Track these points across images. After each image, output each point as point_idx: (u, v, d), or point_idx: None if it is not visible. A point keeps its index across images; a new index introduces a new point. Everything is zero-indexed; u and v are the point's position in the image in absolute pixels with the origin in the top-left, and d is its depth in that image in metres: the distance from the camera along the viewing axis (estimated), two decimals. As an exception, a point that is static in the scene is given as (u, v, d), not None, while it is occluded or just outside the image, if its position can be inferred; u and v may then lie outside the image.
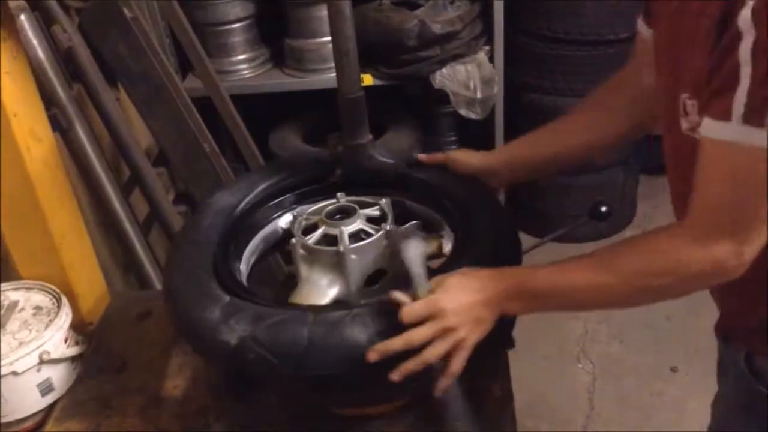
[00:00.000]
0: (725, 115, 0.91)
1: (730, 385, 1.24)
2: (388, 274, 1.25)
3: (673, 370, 2.54)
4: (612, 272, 1.04)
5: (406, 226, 1.18)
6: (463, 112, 2.84)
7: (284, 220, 1.41)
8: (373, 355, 1.03)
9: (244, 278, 1.30)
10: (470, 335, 1.06)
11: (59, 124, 1.83)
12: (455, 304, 1.05)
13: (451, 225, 1.34)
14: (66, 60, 2.00)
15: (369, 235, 1.24)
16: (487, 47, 2.86)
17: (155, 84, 2.12)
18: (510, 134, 2.99)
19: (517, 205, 3.20)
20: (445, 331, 1.04)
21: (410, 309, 1.04)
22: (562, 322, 2.76)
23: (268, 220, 1.41)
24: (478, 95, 2.78)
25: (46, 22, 1.93)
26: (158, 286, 2.08)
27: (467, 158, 1.40)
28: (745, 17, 0.87)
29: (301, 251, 1.24)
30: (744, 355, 1.17)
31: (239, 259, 1.33)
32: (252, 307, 1.10)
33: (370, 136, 1.30)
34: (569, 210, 3.05)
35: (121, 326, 1.57)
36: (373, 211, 1.31)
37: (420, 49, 2.75)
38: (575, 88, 2.83)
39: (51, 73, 1.83)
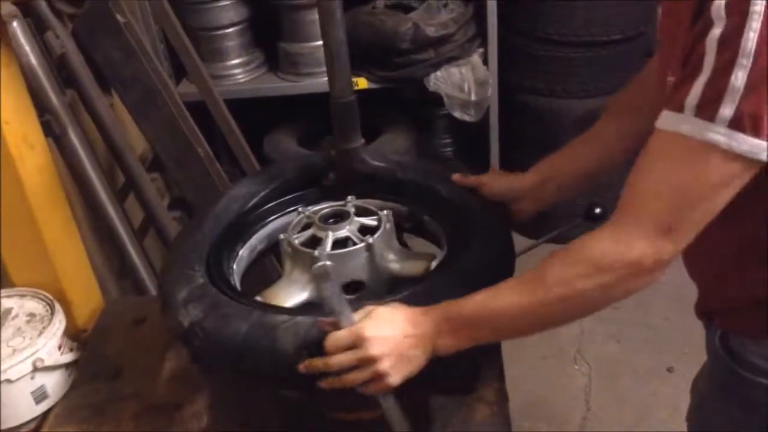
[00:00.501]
0: (679, 106, 0.89)
1: (709, 366, 1.23)
2: (368, 288, 1.26)
3: (670, 370, 2.54)
4: (538, 284, 1.02)
5: (319, 264, 1.14)
6: (457, 114, 2.84)
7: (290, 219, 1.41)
8: (302, 368, 1.05)
9: (240, 268, 1.32)
10: (394, 372, 1.04)
11: (53, 131, 1.83)
12: (379, 334, 1.03)
13: (446, 230, 1.34)
14: (59, 66, 2.00)
15: (354, 243, 1.24)
16: (481, 49, 2.86)
17: (148, 89, 2.12)
18: (505, 136, 2.99)
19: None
20: (365, 361, 1.03)
21: (333, 337, 1.04)
22: (559, 323, 2.76)
23: (275, 217, 1.42)
24: (473, 97, 2.78)
25: (38, 29, 1.93)
26: (153, 291, 2.07)
27: (499, 181, 1.37)
28: (718, 5, 0.86)
29: (287, 248, 1.25)
30: (719, 334, 1.16)
31: (236, 251, 1.35)
32: (215, 295, 1.14)
33: (363, 140, 1.30)
34: (564, 211, 3.04)
35: (116, 332, 1.57)
36: (371, 221, 1.30)
37: (414, 52, 2.75)
38: (569, 90, 2.83)
39: (44, 80, 1.82)
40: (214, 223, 1.34)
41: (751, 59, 0.84)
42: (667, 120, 0.92)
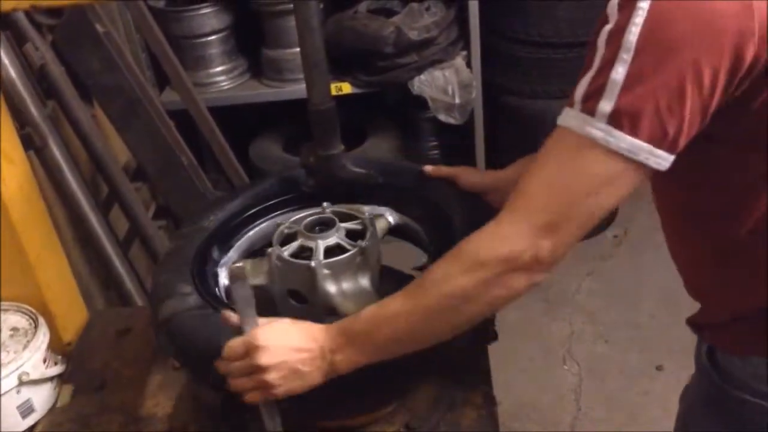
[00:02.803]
0: (571, 101, 0.89)
1: (696, 378, 1.23)
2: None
3: (659, 368, 2.54)
4: (420, 285, 1.00)
5: (236, 264, 1.14)
6: (442, 117, 2.85)
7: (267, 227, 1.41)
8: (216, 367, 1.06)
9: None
10: (282, 384, 1.03)
11: (33, 143, 1.83)
12: (272, 343, 1.02)
13: (428, 233, 1.34)
14: (39, 78, 2.00)
15: (345, 250, 1.23)
16: (464, 52, 2.87)
17: (130, 98, 2.12)
18: (490, 138, 3.00)
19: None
20: (254, 369, 1.02)
21: (230, 344, 1.04)
22: (548, 323, 2.77)
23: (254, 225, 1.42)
24: (457, 100, 2.79)
25: (17, 41, 1.92)
26: (139, 302, 2.07)
27: (473, 174, 1.37)
28: (613, 3, 0.87)
29: (277, 262, 1.24)
30: (706, 348, 1.15)
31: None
32: (191, 295, 1.19)
33: (342, 147, 1.30)
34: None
35: (100, 345, 1.57)
36: (355, 225, 1.29)
37: (397, 56, 2.76)
38: (552, 91, 2.84)
39: (23, 92, 1.82)
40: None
41: (631, 54, 0.84)
42: (561, 115, 0.91)
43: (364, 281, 1.22)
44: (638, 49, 0.84)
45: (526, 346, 2.63)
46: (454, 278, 0.97)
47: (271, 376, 1.02)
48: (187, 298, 1.20)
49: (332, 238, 1.24)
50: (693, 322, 1.20)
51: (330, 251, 1.23)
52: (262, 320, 1.06)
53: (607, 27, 0.87)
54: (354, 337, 1.03)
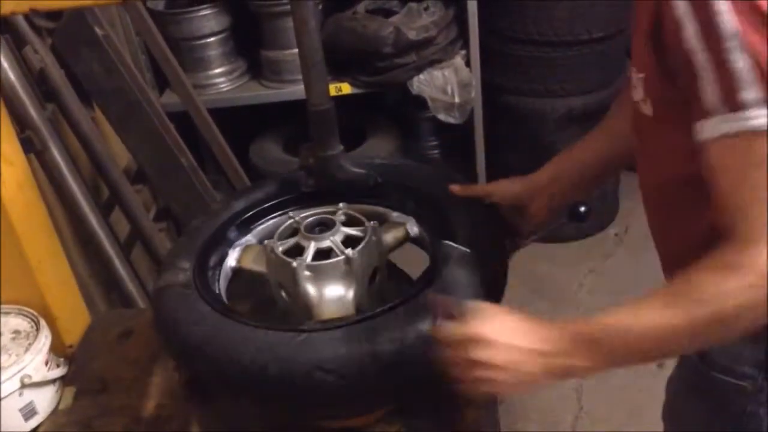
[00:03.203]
0: (704, 114, 0.88)
1: (679, 366, 1.24)
2: (379, 271, 1.27)
3: (660, 366, 2.54)
4: (687, 299, 0.92)
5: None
6: (441, 116, 2.85)
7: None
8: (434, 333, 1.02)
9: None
10: (506, 384, 0.97)
11: (34, 146, 1.83)
12: (502, 340, 0.96)
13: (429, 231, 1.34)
14: (39, 81, 2.01)
15: (358, 237, 1.24)
16: (463, 52, 2.87)
17: (129, 101, 2.13)
18: (490, 137, 3.00)
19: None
20: (480, 364, 0.96)
21: (451, 331, 0.99)
22: (549, 322, 2.77)
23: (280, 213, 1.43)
24: (456, 99, 2.79)
25: (17, 45, 1.93)
26: (141, 304, 2.07)
27: (507, 187, 1.34)
28: (680, 6, 0.86)
29: (306, 273, 1.23)
30: None
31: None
32: (186, 271, 1.25)
33: (341, 147, 1.30)
34: (551, 210, 3.06)
35: (102, 347, 1.57)
36: (357, 232, 1.28)
37: (396, 56, 2.76)
38: (551, 89, 2.84)
39: (23, 95, 1.83)
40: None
41: (738, 36, 0.84)
42: (704, 132, 0.89)
43: (345, 290, 1.22)
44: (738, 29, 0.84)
45: (528, 344, 2.63)
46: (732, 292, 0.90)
47: (499, 376, 0.96)
48: (180, 274, 1.25)
49: (326, 242, 1.24)
50: None
51: (322, 254, 1.24)
52: (476, 305, 1.00)
53: (691, 29, 0.86)
54: (598, 346, 0.95)
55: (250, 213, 1.41)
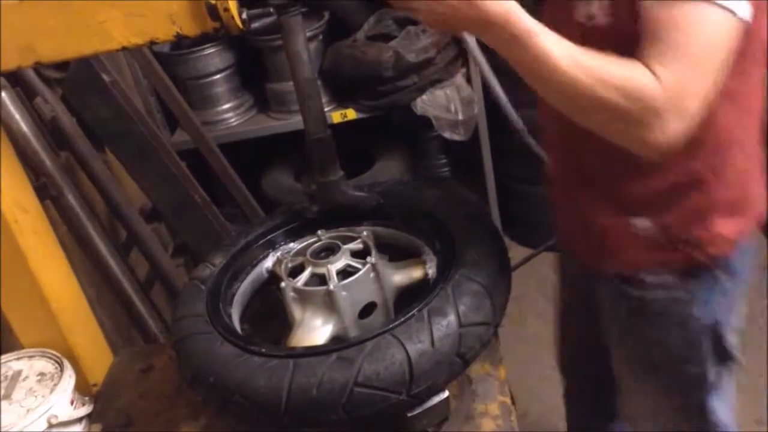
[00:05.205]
0: None
1: (608, 303, 1.46)
2: (378, 306, 1.28)
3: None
4: (589, 60, 1.06)
5: None
6: (447, 134, 2.88)
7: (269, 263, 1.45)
8: None
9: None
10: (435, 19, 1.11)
11: (49, 193, 1.88)
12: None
13: (434, 250, 1.36)
14: (51, 129, 2.06)
15: (356, 270, 1.26)
16: (463, 69, 2.90)
17: (139, 143, 2.18)
18: (497, 150, 3.02)
19: (507, 216, 3.23)
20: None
21: None
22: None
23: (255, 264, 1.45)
24: (460, 117, 2.82)
25: (28, 96, 1.99)
26: (162, 339, 2.11)
27: None
28: None
29: (292, 294, 1.27)
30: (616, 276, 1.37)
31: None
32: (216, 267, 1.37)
33: (342, 173, 1.33)
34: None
35: (125, 383, 1.60)
36: (357, 245, 1.33)
37: (398, 79, 2.80)
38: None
39: (36, 145, 1.88)
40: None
41: None
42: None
43: (323, 320, 1.25)
44: None
45: (547, 355, 2.63)
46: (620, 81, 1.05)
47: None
48: (207, 269, 1.36)
49: (323, 268, 1.27)
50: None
51: (322, 279, 1.26)
52: None
53: None
54: (510, 35, 1.07)
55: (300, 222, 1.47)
